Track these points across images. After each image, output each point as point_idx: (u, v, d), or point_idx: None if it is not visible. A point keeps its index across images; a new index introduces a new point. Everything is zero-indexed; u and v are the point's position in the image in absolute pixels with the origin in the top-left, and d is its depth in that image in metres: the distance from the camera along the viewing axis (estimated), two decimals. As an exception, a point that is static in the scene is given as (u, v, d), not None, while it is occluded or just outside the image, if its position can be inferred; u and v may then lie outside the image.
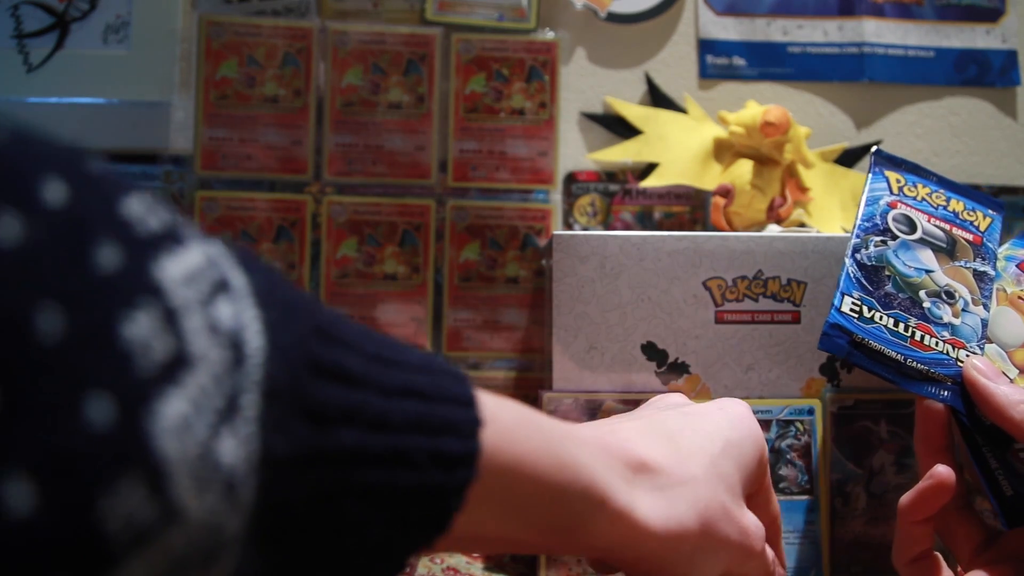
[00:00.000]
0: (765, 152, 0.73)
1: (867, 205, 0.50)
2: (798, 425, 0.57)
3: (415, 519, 0.23)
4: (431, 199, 0.74)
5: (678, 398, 0.41)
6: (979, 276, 0.48)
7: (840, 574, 0.57)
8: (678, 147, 0.79)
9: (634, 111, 0.80)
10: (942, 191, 0.52)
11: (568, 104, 0.80)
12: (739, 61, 0.82)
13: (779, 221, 0.72)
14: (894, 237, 0.48)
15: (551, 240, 0.61)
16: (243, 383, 0.19)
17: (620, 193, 0.80)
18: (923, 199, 0.51)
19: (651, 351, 0.60)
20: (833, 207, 0.79)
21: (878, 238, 0.48)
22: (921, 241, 0.48)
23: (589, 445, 0.30)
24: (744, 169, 0.72)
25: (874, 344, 0.44)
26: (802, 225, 0.73)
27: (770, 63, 0.82)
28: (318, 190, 0.74)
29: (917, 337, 0.45)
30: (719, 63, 0.82)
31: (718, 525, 0.33)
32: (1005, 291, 0.48)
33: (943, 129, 0.84)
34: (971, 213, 0.51)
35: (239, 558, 0.19)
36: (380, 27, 0.75)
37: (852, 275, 0.46)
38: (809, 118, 0.82)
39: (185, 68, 0.75)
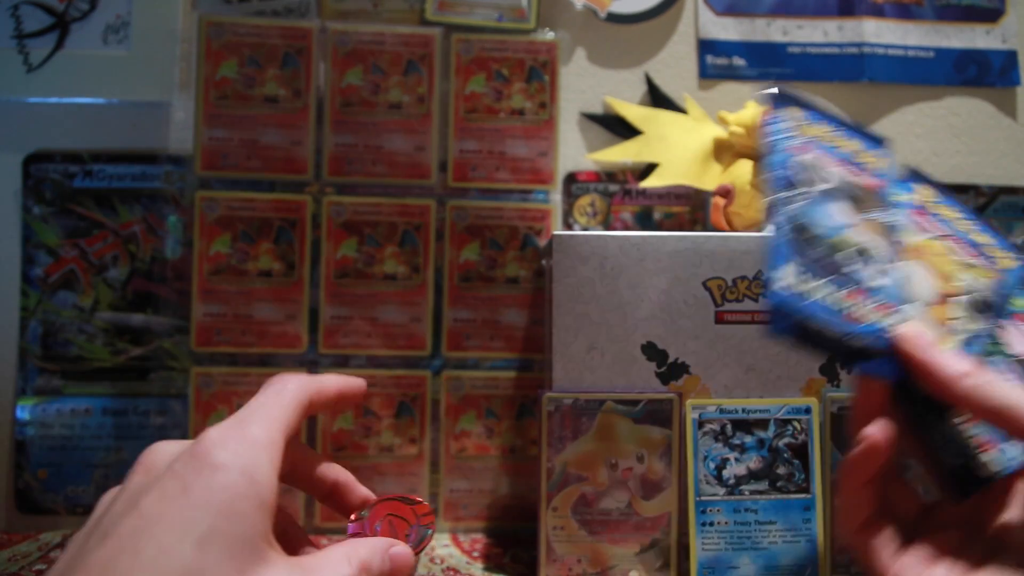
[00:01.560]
0: (765, 152, 0.73)
1: (774, 152, 0.42)
2: (795, 424, 0.57)
3: None
4: (431, 199, 0.74)
5: (122, 502, 0.32)
6: (886, 228, 0.43)
7: (839, 574, 0.57)
8: (678, 147, 0.79)
9: (634, 111, 0.80)
10: (837, 130, 0.45)
11: (568, 104, 0.80)
12: (739, 61, 0.82)
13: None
14: (808, 189, 0.41)
15: (551, 240, 0.61)
16: None
17: (620, 193, 0.80)
18: (826, 140, 0.44)
19: (651, 351, 0.60)
20: (833, 207, 0.79)
21: (795, 192, 0.41)
22: (833, 192, 0.42)
23: None
24: (744, 169, 0.72)
25: (815, 324, 0.38)
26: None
27: (770, 63, 0.82)
28: (318, 190, 0.74)
29: (850, 308, 0.39)
30: (719, 63, 0.82)
31: None
32: (907, 243, 0.43)
33: (943, 129, 0.84)
34: (865, 154, 0.45)
35: None
36: (380, 27, 0.75)
37: (788, 237, 0.38)
38: (809, 118, 0.82)
39: (185, 68, 0.75)
